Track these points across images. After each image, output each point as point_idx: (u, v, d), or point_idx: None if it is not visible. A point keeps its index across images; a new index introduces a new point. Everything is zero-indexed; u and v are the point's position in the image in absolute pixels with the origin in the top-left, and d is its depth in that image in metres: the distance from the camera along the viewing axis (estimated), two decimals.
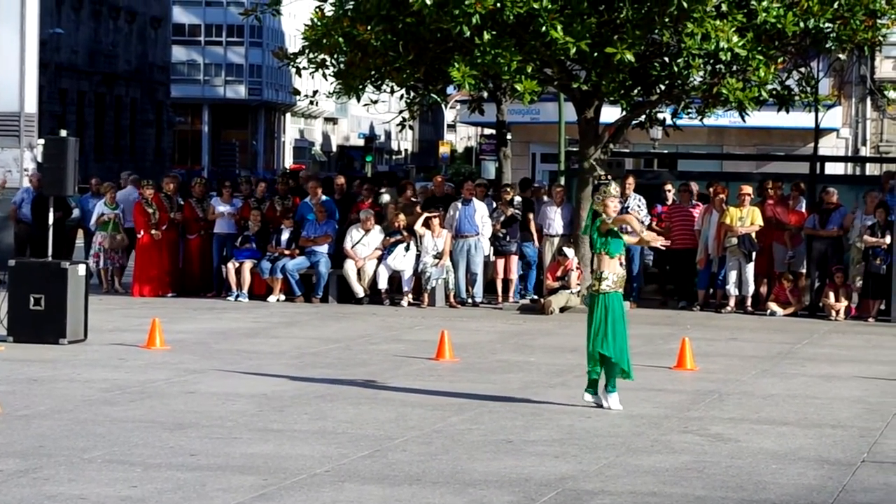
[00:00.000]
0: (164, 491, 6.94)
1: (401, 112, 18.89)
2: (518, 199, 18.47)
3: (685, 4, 14.94)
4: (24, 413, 9.09)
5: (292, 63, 17.52)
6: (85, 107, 58.28)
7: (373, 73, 16.60)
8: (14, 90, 24.56)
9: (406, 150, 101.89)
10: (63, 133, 13.89)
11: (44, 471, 7.36)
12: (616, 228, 9.68)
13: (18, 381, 10.48)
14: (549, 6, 15.00)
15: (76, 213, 19.34)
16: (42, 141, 15.50)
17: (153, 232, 17.99)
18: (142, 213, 18.11)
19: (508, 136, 29.52)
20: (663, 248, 11.67)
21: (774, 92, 16.73)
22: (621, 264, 9.75)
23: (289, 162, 79.14)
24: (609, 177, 10.42)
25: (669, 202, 18.17)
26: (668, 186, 18.28)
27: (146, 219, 18.05)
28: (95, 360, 11.83)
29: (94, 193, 19.97)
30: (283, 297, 17.60)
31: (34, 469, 7.39)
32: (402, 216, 17.64)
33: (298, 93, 18.72)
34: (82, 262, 13.50)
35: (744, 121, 16.99)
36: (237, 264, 17.77)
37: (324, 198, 18.15)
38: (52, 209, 13.81)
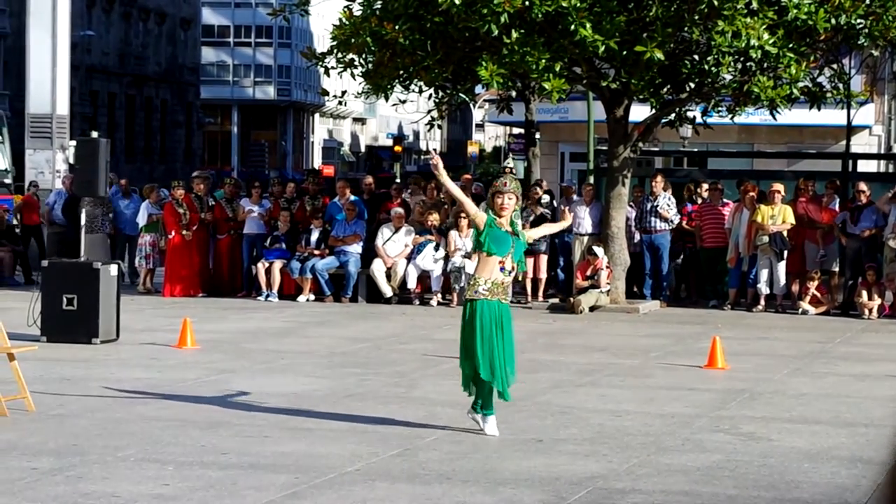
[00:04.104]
0: (196, 489, 6.97)
1: (429, 112, 18.88)
2: (547, 198, 18.45)
3: (715, 2, 14.85)
4: (57, 412, 9.16)
5: (321, 63, 17.54)
6: (116, 108, 58.65)
7: (401, 72, 16.60)
8: (46, 92, 24.74)
9: (434, 150, 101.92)
10: (94, 134, 13.99)
11: (77, 469, 7.41)
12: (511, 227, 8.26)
13: (52, 380, 10.56)
14: (578, 4, 14.94)
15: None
16: (74, 142, 15.58)
17: (184, 232, 18.08)
18: (172, 214, 18.20)
19: (537, 136, 29.42)
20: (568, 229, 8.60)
21: (806, 89, 16.61)
22: (504, 269, 8.28)
23: (318, 162, 79.28)
24: (507, 170, 8.81)
25: (700, 201, 18.09)
26: (704, 186, 18.20)
27: (177, 219, 18.15)
28: (128, 359, 11.90)
29: (125, 194, 20.12)
30: (312, 297, 17.65)
31: (68, 467, 7.44)
32: (434, 215, 17.64)
33: (327, 93, 18.74)
34: (114, 263, 13.58)
35: (775, 119, 16.88)
36: (267, 264, 17.83)
37: (352, 197, 18.20)
38: (83, 210, 13.90)
